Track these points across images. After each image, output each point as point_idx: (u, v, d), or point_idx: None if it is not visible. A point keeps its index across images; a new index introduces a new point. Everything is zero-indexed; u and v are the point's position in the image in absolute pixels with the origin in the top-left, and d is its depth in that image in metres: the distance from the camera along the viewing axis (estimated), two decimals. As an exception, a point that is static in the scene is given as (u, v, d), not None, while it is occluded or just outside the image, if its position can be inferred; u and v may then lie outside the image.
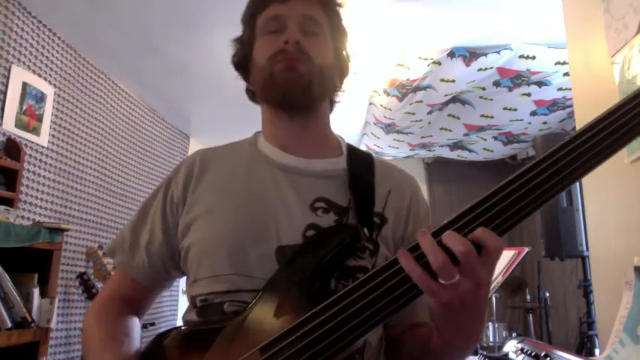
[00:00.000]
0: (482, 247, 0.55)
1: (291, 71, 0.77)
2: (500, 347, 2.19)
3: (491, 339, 2.78)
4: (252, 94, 0.90)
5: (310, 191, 0.78)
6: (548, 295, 3.27)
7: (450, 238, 0.55)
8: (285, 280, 0.69)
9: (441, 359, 0.69)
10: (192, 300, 0.78)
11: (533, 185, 0.57)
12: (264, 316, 0.67)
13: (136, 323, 0.82)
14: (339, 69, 0.88)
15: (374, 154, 0.91)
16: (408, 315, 0.75)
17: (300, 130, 0.84)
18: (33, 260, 2.26)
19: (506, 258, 2.07)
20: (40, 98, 2.71)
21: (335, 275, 0.72)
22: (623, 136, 0.56)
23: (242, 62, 0.87)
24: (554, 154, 0.57)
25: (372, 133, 4.58)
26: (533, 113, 3.82)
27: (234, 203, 0.78)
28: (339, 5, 0.88)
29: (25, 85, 2.58)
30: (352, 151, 0.87)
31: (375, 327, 0.60)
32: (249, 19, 0.86)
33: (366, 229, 0.76)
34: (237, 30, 0.91)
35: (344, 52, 0.89)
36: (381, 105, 3.79)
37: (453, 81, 3.27)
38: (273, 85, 0.79)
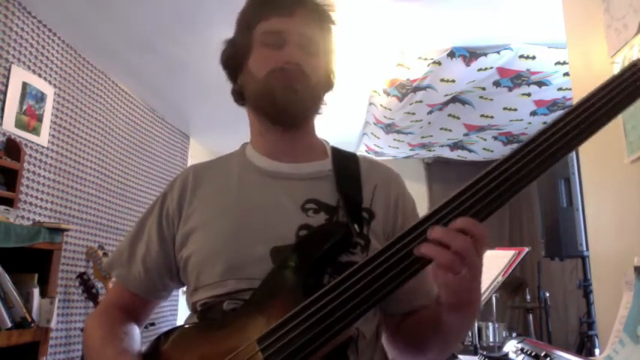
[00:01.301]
0: (467, 235, 0.60)
1: (290, 91, 0.80)
2: (500, 347, 2.19)
3: (491, 339, 2.78)
4: (238, 97, 0.90)
5: (300, 194, 0.81)
6: (548, 295, 3.27)
7: (438, 232, 0.60)
8: (280, 277, 0.72)
9: (451, 330, 0.73)
10: (192, 306, 0.81)
11: (502, 179, 0.62)
12: (261, 310, 0.69)
13: (135, 327, 0.85)
14: (326, 84, 0.90)
15: (366, 154, 0.93)
16: (404, 302, 0.80)
17: (289, 142, 0.87)
18: (33, 260, 2.26)
19: (506, 258, 2.07)
20: (40, 98, 2.71)
21: (328, 271, 0.74)
22: (591, 125, 0.63)
23: (233, 64, 0.88)
24: (512, 157, 0.63)
25: (372, 133, 4.58)
26: (533, 113, 3.83)
27: (228, 214, 0.81)
28: (334, 23, 0.89)
29: (25, 85, 2.58)
30: (336, 152, 0.90)
31: (365, 312, 0.63)
32: (247, 25, 0.85)
33: (356, 225, 0.78)
34: (238, 30, 0.91)
35: (332, 69, 0.91)
36: (381, 105, 3.79)
37: (453, 81, 3.27)
38: (271, 101, 0.81)
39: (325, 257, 0.73)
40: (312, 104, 0.85)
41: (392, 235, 0.83)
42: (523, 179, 0.62)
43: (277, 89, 0.80)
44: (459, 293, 0.63)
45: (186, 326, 0.77)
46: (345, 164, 0.87)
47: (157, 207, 0.88)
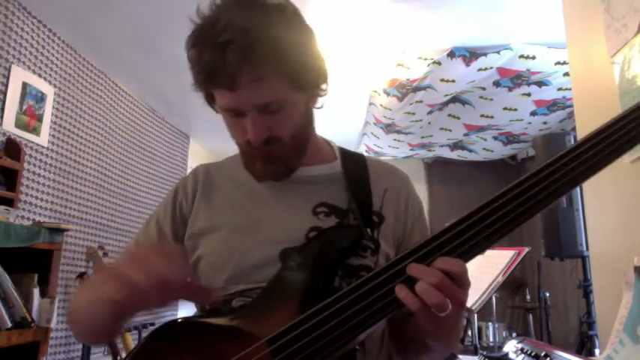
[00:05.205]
0: (448, 274, 0.58)
1: (270, 160, 0.77)
2: (500, 347, 2.19)
3: (491, 339, 2.78)
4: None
5: (311, 197, 0.81)
6: (548, 295, 3.27)
7: (420, 270, 0.59)
8: (288, 277, 0.71)
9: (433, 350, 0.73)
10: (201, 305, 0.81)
11: (494, 219, 0.63)
12: (270, 310, 0.69)
13: None
14: (313, 91, 0.80)
15: (366, 154, 0.92)
16: None
17: None
18: (33, 260, 2.26)
19: (506, 258, 2.07)
20: (40, 98, 2.71)
21: (339, 274, 0.74)
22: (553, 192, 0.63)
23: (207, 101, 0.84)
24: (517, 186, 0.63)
25: (372, 133, 4.57)
26: (533, 113, 3.83)
27: (239, 216, 0.81)
28: (285, 23, 0.72)
29: (25, 85, 2.58)
30: (345, 154, 0.90)
31: (378, 322, 0.62)
32: (201, 80, 0.75)
33: (367, 229, 0.78)
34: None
35: (315, 69, 0.77)
36: (381, 105, 3.79)
37: (453, 81, 3.27)
38: (254, 166, 0.80)
39: (336, 260, 0.73)
40: (296, 156, 0.80)
41: (402, 238, 0.83)
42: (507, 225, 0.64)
43: (257, 161, 0.78)
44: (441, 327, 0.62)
45: (193, 320, 0.74)
46: (355, 167, 0.87)
47: (170, 201, 0.87)
